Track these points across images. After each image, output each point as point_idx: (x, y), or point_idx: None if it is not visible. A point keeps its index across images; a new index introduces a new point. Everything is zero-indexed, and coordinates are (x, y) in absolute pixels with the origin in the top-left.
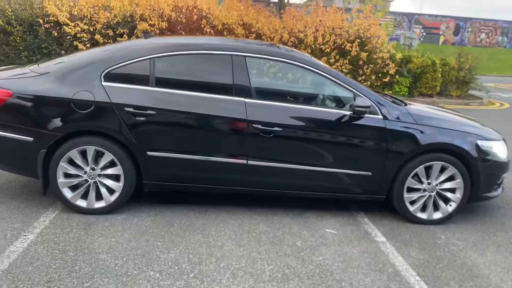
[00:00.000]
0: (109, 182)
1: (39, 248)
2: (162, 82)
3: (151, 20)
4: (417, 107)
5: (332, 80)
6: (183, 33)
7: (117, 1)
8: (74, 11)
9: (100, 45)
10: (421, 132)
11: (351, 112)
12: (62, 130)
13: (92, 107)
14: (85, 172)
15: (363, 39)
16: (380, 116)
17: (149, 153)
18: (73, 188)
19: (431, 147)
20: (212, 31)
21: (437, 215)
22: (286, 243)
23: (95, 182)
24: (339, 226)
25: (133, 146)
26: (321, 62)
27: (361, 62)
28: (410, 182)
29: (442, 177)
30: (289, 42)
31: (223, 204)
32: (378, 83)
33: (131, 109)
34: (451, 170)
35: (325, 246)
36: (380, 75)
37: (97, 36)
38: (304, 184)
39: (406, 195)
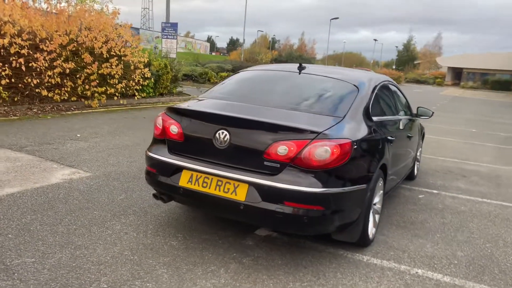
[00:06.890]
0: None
1: None
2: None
3: None
4: None
5: (405, 98)
6: None
7: None
8: None
9: None
10: None
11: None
12: (377, 168)
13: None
14: (374, 204)
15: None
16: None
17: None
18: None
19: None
20: None
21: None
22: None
23: (372, 212)
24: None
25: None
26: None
27: (132, 68)
28: None
29: None
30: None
31: None
32: (138, 87)
33: (390, 137)
34: None
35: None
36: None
37: None
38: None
39: None
